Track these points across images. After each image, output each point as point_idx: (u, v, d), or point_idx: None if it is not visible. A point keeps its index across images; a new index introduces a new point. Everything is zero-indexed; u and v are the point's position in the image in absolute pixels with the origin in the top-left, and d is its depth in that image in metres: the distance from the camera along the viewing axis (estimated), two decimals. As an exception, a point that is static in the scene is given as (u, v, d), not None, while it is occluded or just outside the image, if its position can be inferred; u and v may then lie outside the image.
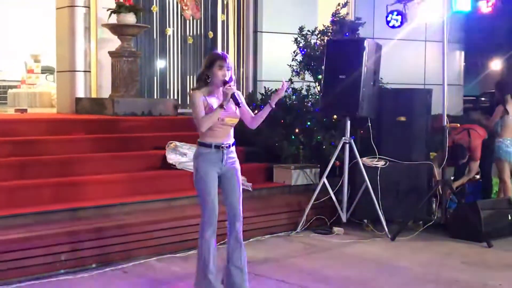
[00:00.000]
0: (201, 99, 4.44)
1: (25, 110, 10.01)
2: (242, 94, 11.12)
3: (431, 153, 7.76)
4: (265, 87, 8.91)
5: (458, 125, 7.72)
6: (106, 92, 9.35)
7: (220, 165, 4.55)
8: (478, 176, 8.05)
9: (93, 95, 9.54)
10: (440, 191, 7.11)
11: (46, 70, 14.13)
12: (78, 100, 9.29)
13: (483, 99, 22.20)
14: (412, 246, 6.50)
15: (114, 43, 9.11)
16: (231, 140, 4.62)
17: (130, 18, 8.88)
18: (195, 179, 4.58)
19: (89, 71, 9.50)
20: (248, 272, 4.76)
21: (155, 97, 10.30)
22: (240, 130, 8.56)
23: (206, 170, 4.52)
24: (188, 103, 10.66)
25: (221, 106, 4.37)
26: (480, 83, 23.19)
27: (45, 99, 13.02)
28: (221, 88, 4.46)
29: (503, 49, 14.96)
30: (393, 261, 5.94)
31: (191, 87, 4.39)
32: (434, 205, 7.29)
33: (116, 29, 8.96)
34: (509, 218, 6.96)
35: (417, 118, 7.43)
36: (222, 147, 4.52)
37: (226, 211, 4.68)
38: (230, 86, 4.39)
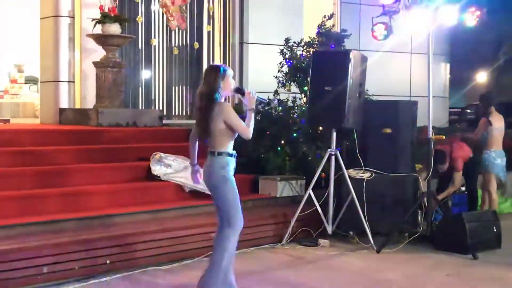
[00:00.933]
0: None
1: (8, 121, 9.91)
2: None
3: (416, 165, 7.76)
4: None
5: (444, 137, 7.73)
6: (90, 102, 9.28)
7: (233, 173, 4.81)
8: (463, 188, 8.06)
9: (77, 106, 9.47)
10: (426, 203, 7.11)
11: (30, 80, 14.00)
12: (62, 110, 9.21)
13: (468, 111, 22.37)
14: (398, 258, 6.48)
15: (99, 53, 9.05)
16: None
17: (115, 29, 8.83)
18: (228, 189, 4.74)
19: (73, 82, 9.44)
20: (233, 284, 4.83)
21: (140, 107, 10.24)
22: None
23: (233, 180, 4.77)
24: (168, 114, 10.63)
25: (252, 109, 4.81)
26: (466, 95, 23.40)
27: (29, 110, 12.88)
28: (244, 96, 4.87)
29: (488, 62, 15.09)
30: (379, 274, 5.91)
31: (209, 100, 4.61)
32: (419, 217, 7.27)
33: (100, 39, 8.91)
34: (495, 230, 6.96)
35: (403, 130, 7.43)
36: (235, 156, 4.83)
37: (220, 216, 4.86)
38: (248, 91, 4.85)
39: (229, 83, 4.81)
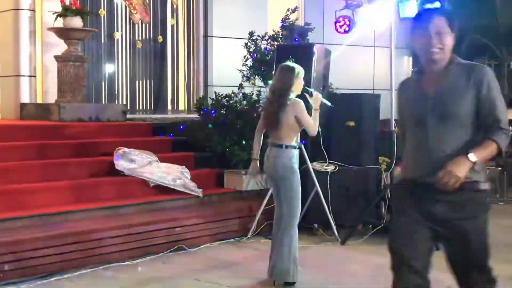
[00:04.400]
0: None
1: (-33, 116, 9.70)
2: (193, 99, 11.11)
3: (380, 158, 7.84)
4: (215, 92, 8.83)
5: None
6: (52, 97, 9.14)
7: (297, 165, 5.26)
8: None
9: (39, 101, 9.31)
10: (389, 195, 7.18)
11: (-11, 75, 13.71)
12: (23, 105, 9.05)
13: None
14: (362, 249, 6.54)
15: (61, 47, 8.91)
16: None
17: (76, 22, 8.69)
18: (295, 180, 5.12)
19: (35, 76, 9.27)
20: (199, 279, 5.01)
21: (103, 102, 10.12)
22: (192, 135, 8.58)
23: (298, 171, 5.17)
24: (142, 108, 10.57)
25: (317, 109, 5.24)
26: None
27: (-12, 105, 12.64)
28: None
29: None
30: (344, 265, 5.96)
31: (282, 96, 5.09)
32: (383, 209, 7.35)
33: (62, 33, 8.77)
34: (456, 221, 7.05)
35: (366, 123, 7.49)
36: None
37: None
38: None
39: (301, 84, 5.20)
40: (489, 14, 12.93)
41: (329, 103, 5.62)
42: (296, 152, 5.21)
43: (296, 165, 5.18)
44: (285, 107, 5.05)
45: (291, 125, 5.10)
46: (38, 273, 5.27)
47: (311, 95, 5.33)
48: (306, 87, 5.33)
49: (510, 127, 3.08)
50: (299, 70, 5.19)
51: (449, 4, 7.59)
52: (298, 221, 5.22)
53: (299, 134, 5.42)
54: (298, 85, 5.18)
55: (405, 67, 14.19)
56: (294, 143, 5.18)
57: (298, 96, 5.22)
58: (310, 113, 5.20)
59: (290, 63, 5.23)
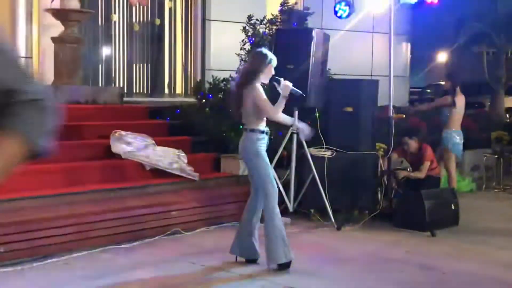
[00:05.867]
0: None
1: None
2: (190, 83, 11.06)
3: (377, 144, 7.83)
4: (213, 76, 8.80)
5: (404, 116, 7.80)
6: (48, 79, 9.07)
7: (265, 148, 5.22)
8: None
9: (35, 82, 9.23)
10: (386, 181, 7.18)
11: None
12: (19, 87, 8.97)
13: (428, 91, 22.65)
14: (358, 235, 6.55)
15: (58, 28, 8.83)
16: None
17: (74, 3, 8.64)
18: (260, 162, 5.14)
19: (31, 58, 9.19)
20: (194, 263, 5.06)
21: (100, 85, 10.07)
22: (188, 119, 8.55)
23: (264, 154, 5.18)
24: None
25: (285, 96, 5.22)
26: (426, 75, 23.64)
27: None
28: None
29: (449, 42, 15.26)
30: (340, 251, 5.97)
31: (238, 80, 5.28)
32: (379, 195, 7.36)
33: (59, 14, 8.69)
34: (453, 208, 7.08)
35: (364, 108, 7.47)
36: (268, 133, 5.24)
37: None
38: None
39: (270, 72, 5.21)
40: (488, 2, 12.89)
41: (299, 92, 5.54)
42: (261, 136, 5.17)
43: (260, 149, 5.15)
44: (245, 90, 5.10)
45: (251, 109, 5.12)
46: (35, 255, 5.26)
47: (279, 83, 5.32)
48: (275, 77, 5.32)
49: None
50: (272, 57, 5.21)
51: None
52: (275, 200, 5.18)
53: (265, 119, 5.27)
54: (267, 72, 5.20)
55: (404, 53, 14.17)
56: (259, 127, 5.17)
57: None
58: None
59: (264, 49, 5.29)
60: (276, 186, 5.25)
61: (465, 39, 14.47)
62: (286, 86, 5.28)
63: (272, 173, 5.30)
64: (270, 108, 5.15)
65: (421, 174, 7.43)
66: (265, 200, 5.17)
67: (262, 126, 5.21)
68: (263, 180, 5.15)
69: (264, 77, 5.21)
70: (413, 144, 7.55)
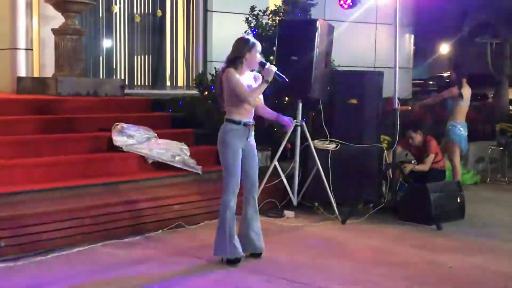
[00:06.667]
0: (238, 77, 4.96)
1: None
2: (192, 74, 10.97)
3: (381, 136, 7.75)
4: (215, 68, 8.69)
5: (410, 107, 7.72)
6: (49, 71, 9.00)
7: (245, 141, 5.09)
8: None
9: (36, 74, 9.17)
10: (391, 174, 7.11)
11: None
12: (19, 79, 8.90)
13: (431, 82, 22.54)
14: (363, 229, 6.48)
15: (58, 20, 8.75)
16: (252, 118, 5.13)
17: (74, -6, 8.53)
18: (224, 152, 5.05)
19: (31, 49, 9.13)
20: (198, 257, 5.08)
21: (101, 77, 9.99)
22: (191, 111, 8.47)
23: (236, 145, 5.02)
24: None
25: (267, 81, 5.01)
26: (429, 66, 23.56)
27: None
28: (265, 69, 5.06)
29: (452, 33, 15.15)
30: (344, 245, 5.90)
31: (222, 66, 5.09)
32: (384, 188, 7.29)
33: (59, 5, 8.60)
34: (458, 200, 7.00)
35: (368, 101, 7.39)
36: (249, 125, 5.07)
37: (244, 183, 5.20)
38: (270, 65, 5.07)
39: (255, 57, 5.05)
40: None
41: (283, 77, 5.23)
42: (235, 127, 5.02)
43: (230, 139, 5.01)
44: (222, 77, 4.99)
45: (228, 97, 5.01)
46: (35, 250, 5.19)
47: (263, 66, 5.12)
48: (262, 61, 5.16)
49: None
50: (254, 42, 5.07)
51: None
52: (229, 197, 5.07)
53: (246, 109, 5.07)
54: (252, 58, 5.04)
55: (407, 44, 14.06)
56: (235, 118, 5.02)
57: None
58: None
59: (246, 35, 5.18)
60: (238, 181, 5.08)
61: (468, 30, 14.36)
62: (270, 70, 5.05)
63: (238, 166, 5.07)
64: (245, 91, 4.95)
65: (425, 167, 7.37)
66: (222, 192, 5.08)
67: (239, 116, 5.02)
68: (225, 172, 5.06)
69: (249, 63, 5.05)
70: (418, 137, 7.50)
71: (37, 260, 5.05)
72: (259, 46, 5.11)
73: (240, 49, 5.02)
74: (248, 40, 5.09)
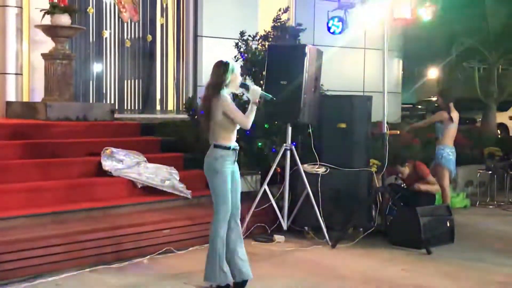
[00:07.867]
0: None
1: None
2: (182, 99, 11.00)
3: (371, 160, 7.77)
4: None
5: (398, 132, 7.75)
6: (38, 96, 9.00)
7: (232, 166, 5.04)
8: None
9: (25, 99, 9.17)
10: (380, 198, 7.11)
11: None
12: (8, 104, 8.89)
13: (419, 107, 22.71)
14: (353, 253, 6.46)
15: (48, 45, 8.77)
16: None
17: (64, 19, 8.55)
18: (217, 180, 4.96)
19: (21, 74, 9.13)
20: (188, 282, 5.00)
21: (91, 101, 9.99)
22: (181, 135, 8.47)
23: (226, 172, 4.97)
24: (121, 108, 10.48)
25: (255, 103, 5.00)
26: (417, 91, 23.75)
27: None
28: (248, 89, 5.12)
29: (440, 58, 15.29)
30: (335, 269, 5.88)
31: (206, 94, 5.04)
32: (374, 212, 7.29)
33: (49, 30, 8.63)
34: (448, 224, 7.01)
35: (357, 125, 7.42)
36: (236, 149, 5.04)
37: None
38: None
39: (237, 79, 5.06)
40: (479, 18, 12.93)
41: (269, 96, 5.30)
42: (225, 153, 4.95)
43: (221, 166, 4.94)
44: (211, 103, 4.91)
45: (220, 122, 4.93)
46: (22, 275, 5.13)
47: (248, 89, 5.13)
48: (243, 82, 5.19)
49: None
50: (233, 66, 5.05)
51: (440, 7, 7.55)
52: (221, 224, 4.99)
53: (234, 134, 5.05)
54: (233, 81, 5.02)
55: (396, 69, 14.18)
56: (225, 143, 4.95)
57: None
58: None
59: (224, 59, 5.10)
60: (229, 209, 5.01)
61: (456, 55, 14.50)
62: (255, 91, 5.06)
63: (229, 193, 4.99)
64: (241, 117, 4.95)
65: (435, 187, 7.44)
66: (213, 220, 5.01)
67: (229, 141, 4.98)
68: (216, 199, 5.00)
69: (232, 86, 5.05)
70: (405, 170, 7.57)
71: (25, 286, 5.00)
72: (238, 68, 5.15)
73: (221, 74, 4.98)
74: (227, 63, 5.04)
